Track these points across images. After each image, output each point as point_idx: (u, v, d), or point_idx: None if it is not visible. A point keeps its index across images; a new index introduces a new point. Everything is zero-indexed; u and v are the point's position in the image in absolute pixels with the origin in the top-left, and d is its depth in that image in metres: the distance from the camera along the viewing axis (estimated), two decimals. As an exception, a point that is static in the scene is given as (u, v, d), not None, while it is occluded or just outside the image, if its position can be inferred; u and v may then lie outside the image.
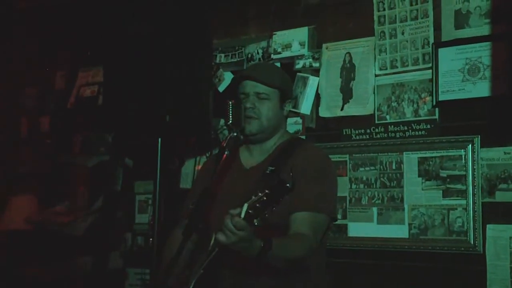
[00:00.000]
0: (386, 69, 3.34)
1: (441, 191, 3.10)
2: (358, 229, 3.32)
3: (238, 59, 3.84)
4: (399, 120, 3.27)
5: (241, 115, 2.40)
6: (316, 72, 3.56)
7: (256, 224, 1.94)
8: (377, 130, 3.32)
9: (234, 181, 2.46)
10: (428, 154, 3.16)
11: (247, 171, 2.50)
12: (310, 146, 2.63)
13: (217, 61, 3.91)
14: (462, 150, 3.06)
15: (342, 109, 3.46)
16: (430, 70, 3.19)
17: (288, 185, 1.92)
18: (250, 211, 1.93)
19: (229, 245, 2.01)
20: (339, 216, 3.34)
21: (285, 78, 2.62)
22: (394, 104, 3.30)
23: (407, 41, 3.29)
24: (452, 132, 3.11)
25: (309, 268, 2.40)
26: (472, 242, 2.98)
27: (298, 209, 2.32)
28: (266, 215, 1.95)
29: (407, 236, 3.17)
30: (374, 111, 3.35)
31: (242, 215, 1.94)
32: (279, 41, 3.68)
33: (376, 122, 3.34)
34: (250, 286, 2.34)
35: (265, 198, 1.92)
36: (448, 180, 3.09)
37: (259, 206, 1.93)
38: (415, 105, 3.23)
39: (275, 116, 2.51)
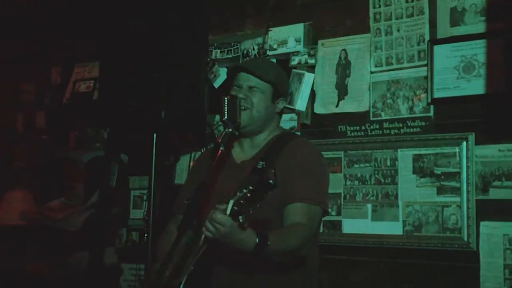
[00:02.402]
0: (382, 66, 3.35)
1: (435, 188, 3.11)
2: (352, 226, 3.32)
3: (234, 55, 3.84)
4: (394, 117, 3.27)
5: (237, 109, 2.41)
6: (311, 68, 3.56)
7: (241, 220, 1.95)
8: (372, 127, 3.32)
9: (225, 176, 2.47)
10: (422, 151, 3.17)
11: (238, 166, 2.51)
12: (301, 140, 2.64)
13: (213, 57, 3.91)
14: (457, 147, 3.07)
15: (337, 106, 3.47)
16: (426, 67, 3.19)
17: (271, 181, 1.93)
18: (235, 208, 1.95)
19: (217, 240, 2.03)
20: (333, 213, 3.36)
21: (281, 75, 2.63)
22: (389, 101, 3.30)
23: (402, 38, 3.30)
24: (447, 129, 3.12)
25: (302, 264, 2.40)
26: (465, 239, 2.99)
27: (292, 200, 2.33)
28: (251, 212, 1.96)
29: (401, 233, 3.18)
30: (369, 108, 3.36)
31: (228, 212, 1.96)
32: (275, 37, 3.68)
33: (371, 119, 3.34)
34: (243, 282, 2.35)
35: (249, 195, 1.94)
36: (442, 177, 3.10)
37: (244, 203, 1.94)
38: (410, 102, 3.24)
39: (266, 109, 2.52)
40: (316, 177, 2.44)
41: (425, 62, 3.20)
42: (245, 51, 3.81)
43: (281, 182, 2.30)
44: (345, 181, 3.37)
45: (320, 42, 3.56)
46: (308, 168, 2.43)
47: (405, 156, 3.21)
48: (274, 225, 2.32)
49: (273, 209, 2.33)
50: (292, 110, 3.54)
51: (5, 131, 5.14)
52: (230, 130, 2.37)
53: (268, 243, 2.07)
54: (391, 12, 3.34)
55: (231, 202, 1.97)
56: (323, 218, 3.08)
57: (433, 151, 3.14)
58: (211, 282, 2.34)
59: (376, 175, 3.29)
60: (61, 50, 4.89)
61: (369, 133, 3.33)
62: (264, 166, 2.37)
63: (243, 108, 2.45)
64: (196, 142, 3.80)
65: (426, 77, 3.19)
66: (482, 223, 2.96)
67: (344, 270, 3.34)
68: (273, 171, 2.01)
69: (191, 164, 3.76)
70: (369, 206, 3.29)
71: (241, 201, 1.96)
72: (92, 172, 4.44)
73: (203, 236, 2.13)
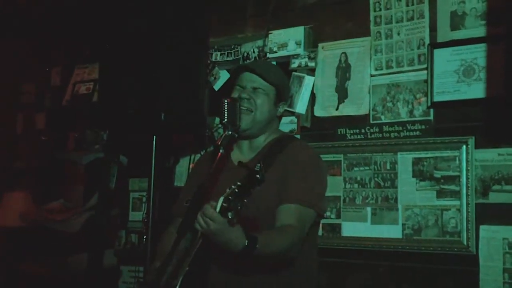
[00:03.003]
0: (382, 69, 3.35)
1: (435, 192, 3.11)
2: (352, 229, 3.32)
3: (234, 58, 3.84)
4: (394, 121, 3.27)
5: (236, 112, 2.41)
6: (311, 71, 3.56)
7: (230, 217, 1.96)
8: (372, 130, 3.32)
9: (223, 178, 2.47)
10: (422, 154, 3.17)
11: (236, 168, 2.51)
12: (300, 143, 2.64)
13: (213, 59, 3.91)
14: (457, 151, 3.07)
15: (337, 109, 3.46)
16: (426, 71, 3.19)
17: (258, 176, 1.94)
18: (224, 204, 1.96)
19: (208, 237, 2.03)
20: (333, 216, 3.36)
21: (283, 78, 2.64)
22: (389, 104, 3.30)
23: (402, 41, 3.30)
24: (447, 133, 3.12)
25: (299, 266, 2.40)
26: (465, 243, 2.99)
27: (285, 201, 2.33)
28: (239, 208, 1.97)
29: (400, 236, 3.18)
30: (369, 111, 3.36)
31: (218, 209, 1.96)
32: (275, 40, 3.68)
33: (371, 122, 3.34)
34: (239, 282, 2.35)
35: (236, 191, 1.95)
36: (442, 180, 3.09)
37: (232, 199, 1.95)
38: (410, 106, 3.24)
39: (269, 111, 2.52)
40: (312, 180, 2.43)
41: (425, 66, 3.20)
42: (245, 54, 3.81)
43: (278, 184, 2.32)
44: (345, 184, 3.37)
45: (320, 45, 3.56)
46: (305, 170, 2.43)
47: (404, 160, 3.21)
48: (266, 224, 2.32)
49: (266, 208, 2.34)
50: (292, 113, 3.54)
51: (5, 132, 5.14)
52: (230, 132, 2.38)
53: (257, 246, 2.07)
54: (391, 16, 3.34)
55: (221, 199, 1.99)
56: (322, 221, 3.10)
57: (432, 155, 3.14)
58: (207, 282, 2.34)
59: (376, 179, 3.29)
60: (61, 51, 4.89)
61: (369, 136, 3.33)
62: (261, 168, 2.36)
63: (244, 107, 2.45)
64: (196, 144, 3.79)
65: (426, 81, 3.19)
66: (481, 227, 2.96)
67: (343, 273, 3.33)
68: (261, 165, 2.00)
69: (191, 166, 3.76)
70: (369, 209, 3.29)
71: (230, 197, 1.97)
72: (92, 174, 4.44)
73: (199, 233, 2.14)
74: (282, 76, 2.65)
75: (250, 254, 2.06)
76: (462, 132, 3.06)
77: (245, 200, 1.97)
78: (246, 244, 2.04)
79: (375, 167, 3.29)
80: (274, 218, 2.34)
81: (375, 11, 3.40)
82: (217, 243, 2.06)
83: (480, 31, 3.07)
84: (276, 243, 2.20)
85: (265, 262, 2.25)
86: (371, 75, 3.38)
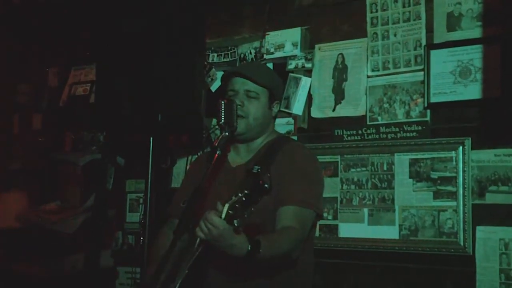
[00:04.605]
0: (378, 70, 3.35)
1: (431, 193, 3.11)
2: (348, 230, 3.32)
3: (231, 59, 3.84)
4: (390, 122, 3.27)
5: (233, 113, 2.41)
6: (308, 72, 3.56)
7: (236, 224, 1.96)
8: (368, 131, 3.33)
9: (220, 180, 2.47)
10: (419, 155, 3.17)
11: (233, 170, 2.52)
12: (296, 144, 2.65)
13: (210, 60, 3.91)
14: (453, 152, 3.07)
15: (334, 110, 3.47)
16: (422, 72, 3.20)
17: (266, 185, 1.93)
18: (230, 212, 1.95)
19: (210, 243, 2.03)
20: (330, 217, 3.36)
21: (275, 79, 2.63)
22: (385, 105, 3.30)
23: (399, 42, 3.30)
24: (443, 134, 3.12)
25: (296, 268, 2.41)
26: (462, 244, 2.99)
27: (284, 203, 2.34)
28: (246, 216, 1.97)
29: (397, 237, 3.18)
30: (366, 112, 3.36)
31: (223, 216, 1.96)
32: (272, 41, 3.68)
33: (368, 123, 3.35)
34: (237, 286, 2.35)
35: (244, 199, 1.94)
36: (438, 181, 3.10)
37: (239, 207, 1.95)
38: (406, 107, 3.24)
39: (263, 116, 2.52)
40: (310, 181, 2.44)
41: (421, 67, 3.20)
42: (242, 55, 3.81)
43: (276, 186, 2.31)
44: (342, 185, 3.37)
45: (317, 46, 3.56)
46: (302, 171, 2.43)
47: (401, 161, 3.21)
48: (268, 229, 2.32)
49: (268, 212, 2.34)
50: (289, 114, 3.54)
51: (1, 132, 5.13)
52: (227, 134, 2.37)
53: (260, 250, 2.07)
54: (388, 17, 3.35)
55: (226, 206, 1.97)
56: (319, 222, 3.10)
57: (429, 156, 3.14)
58: (205, 286, 2.34)
59: (373, 180, 3.29)
60: (58, 52, 4.88)
61: (366, 137, 3.33)
62: (259, 170, 2.37)
63: (239, 116, 2.45)
64: (193, 145, 3.79)
65: (422, 82, 3.19)
66: (478, 227, 2.97)
67: (340, 274, 3.33)
68: (269, 175, 2.01)
69: (188, 167, 3.76)
70: (366, 210, 3.29)
71: (236, 205, 1.96)
72: (89, 175, 4.44)
73: (198, 239, 2.14)
74: (273, 76, 2.65)
75: (253, 258, 2.06)
76: (459, 133, 3.07)
77: (253, 209, 1.97)
78: (250, 248, 2.04)
79: (372, 168, 3.29)
80: (272, 220, 2.34)
81: (371, 12, 3.40)
82: (220, 249, 2.05)
83: (476, 32, 3.08)
84: (279, 246, 2.21)
85: (265, 265, 2.25)
86: (368, 76, 3.38)
